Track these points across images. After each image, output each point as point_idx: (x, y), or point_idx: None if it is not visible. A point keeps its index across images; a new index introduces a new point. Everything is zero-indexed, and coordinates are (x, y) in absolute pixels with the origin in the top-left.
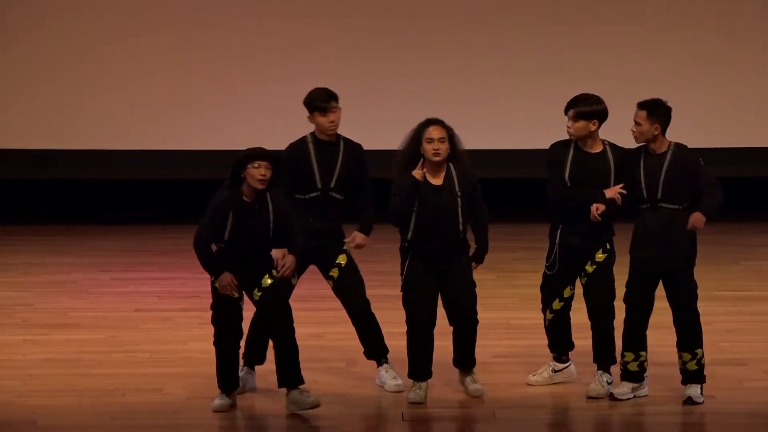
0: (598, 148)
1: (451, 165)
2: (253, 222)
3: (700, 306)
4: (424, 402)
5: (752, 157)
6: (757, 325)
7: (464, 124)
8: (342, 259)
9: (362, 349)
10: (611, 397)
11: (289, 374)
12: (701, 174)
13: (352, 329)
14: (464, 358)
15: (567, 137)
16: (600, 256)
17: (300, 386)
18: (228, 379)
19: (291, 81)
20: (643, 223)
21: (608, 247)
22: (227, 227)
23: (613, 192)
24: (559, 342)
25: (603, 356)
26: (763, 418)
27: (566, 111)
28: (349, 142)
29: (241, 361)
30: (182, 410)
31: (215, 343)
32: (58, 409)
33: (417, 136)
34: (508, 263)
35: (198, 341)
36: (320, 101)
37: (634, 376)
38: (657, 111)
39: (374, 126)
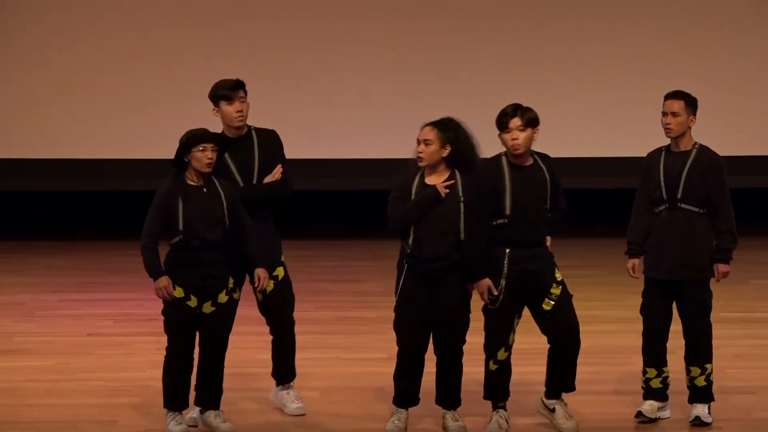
0: (530, 161)
1: (456, 172)
2: (204, 206)
3: None
4: None
5: (763, 167)
6: None
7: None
8: (279, 272)
9: (338, 377)
10: (639, 414)
11: (213, 395)
12: (720, 182)
13: (327, 355)
14: (448, 395)
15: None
16: (558, 275)
17: (217, 410)
18: (179, 395)
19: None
20: (661, 227)
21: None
22: (179, 217)
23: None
24: (504, 387)
25: (570, 382)
26: None
27: (507, 123)
28: (261, 131)
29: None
30: None
31: (166, 355)
32: None
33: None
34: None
35: (156, 368)
36: (226, 89)
37: (658, 393)
38: (693, 102)
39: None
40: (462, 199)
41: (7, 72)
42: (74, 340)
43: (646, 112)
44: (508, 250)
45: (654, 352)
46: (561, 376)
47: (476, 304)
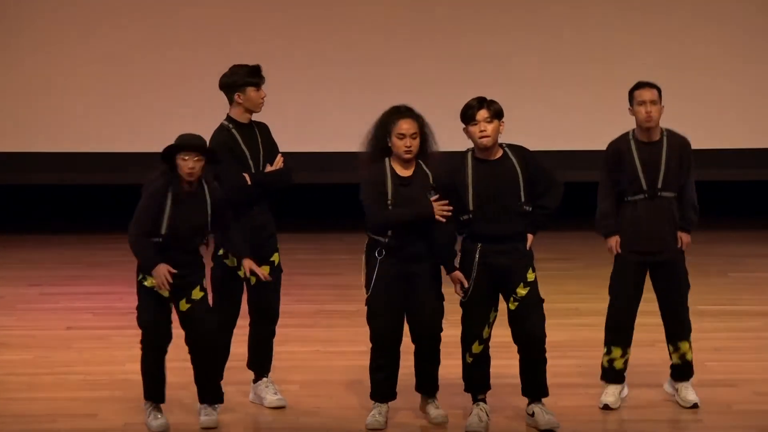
0: (498, 154)
1: (421, 162)
2: (190, 213)
3: None
4: (383, 428)
5: (739, 160)
6: (748, 342)
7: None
8: (276, 258)
9: (318, 370)
10: (606, 407)
11: (214, 390)
12: (690, 162)
13: (306, 348)
14: (426, 382)
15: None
16: (531, 276)
17: (217, 404)
18: (158, 388)
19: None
20: (639, 214)
21: (534, 265)
22: (164, 219)
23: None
24: (483, 380)
25: (539, 387)
26: None
27: (474, 115)
28: (258, 123)
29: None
30: None
31: (142, 348)
32: None
33: (385, 129)
34: None
35: (136, 362)
36: (254, 76)
37: (618, 375)
38: (660, 90)
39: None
40: (433, 185)
41: None
42: (54, 333)
43: (619, 105)
44: (480, 245)
45: (623, 332)
46: (531, 382)
47: (455, 296)
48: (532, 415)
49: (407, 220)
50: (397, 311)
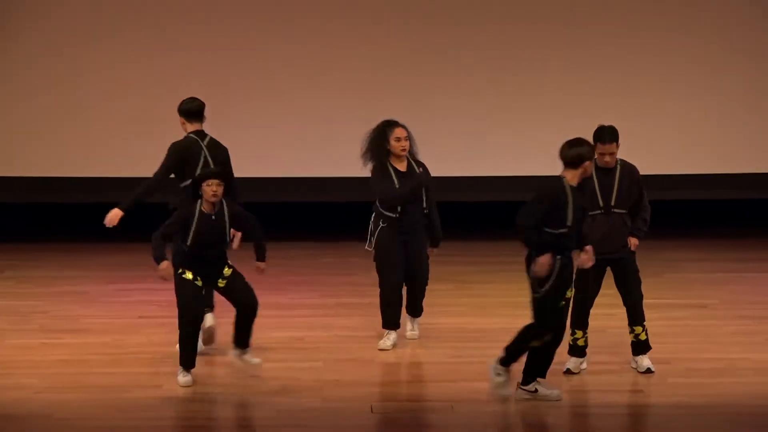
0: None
1: (408, 156)
2: (210, 232)
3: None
4: (390, 349)
5: (672, 183)
6: (679, 328)
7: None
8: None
9: (339, 351)
10: (567, 371)
11: (246, 338)
12: (641, 186)
13: (329, 333)
14: (414, 308)
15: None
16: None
17: (247, 350)
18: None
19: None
20: (597, 226)
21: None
22: (190, 235)
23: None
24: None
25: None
26: (685, 410)
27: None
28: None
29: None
30: (180, 404)
31: (181, 326)
32: (71, 404)
33: (383, 135)
34: (466, 275)
35: None
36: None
37: (581, 350)
38: (618, 136)
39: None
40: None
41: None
42: (127, 321)
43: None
44: (559, 256)
45: (583, 318)
46: (539, 365)
47: (440, 291)
48: (535, 392)
49: (407, 193)
50: (399, 266)
